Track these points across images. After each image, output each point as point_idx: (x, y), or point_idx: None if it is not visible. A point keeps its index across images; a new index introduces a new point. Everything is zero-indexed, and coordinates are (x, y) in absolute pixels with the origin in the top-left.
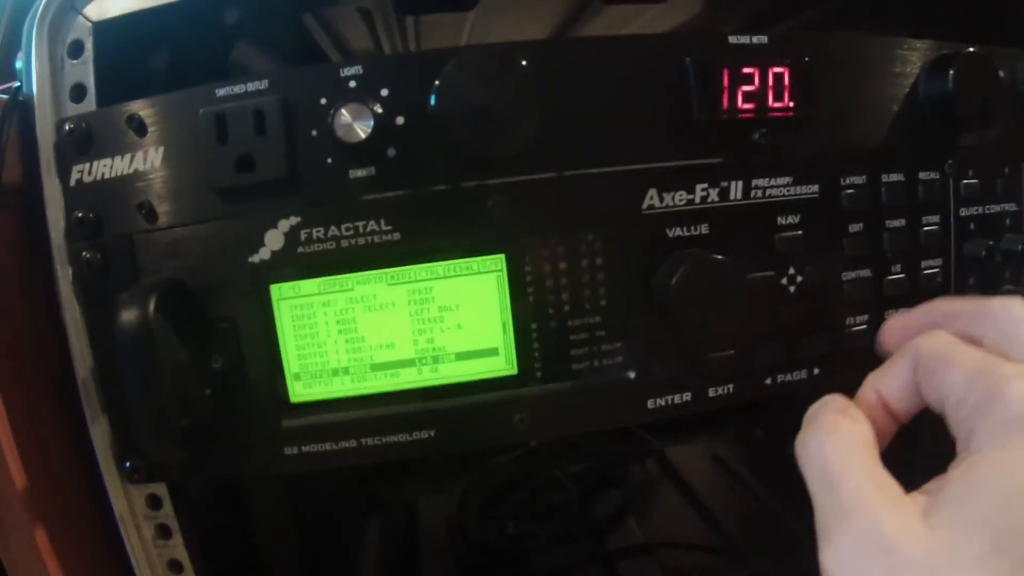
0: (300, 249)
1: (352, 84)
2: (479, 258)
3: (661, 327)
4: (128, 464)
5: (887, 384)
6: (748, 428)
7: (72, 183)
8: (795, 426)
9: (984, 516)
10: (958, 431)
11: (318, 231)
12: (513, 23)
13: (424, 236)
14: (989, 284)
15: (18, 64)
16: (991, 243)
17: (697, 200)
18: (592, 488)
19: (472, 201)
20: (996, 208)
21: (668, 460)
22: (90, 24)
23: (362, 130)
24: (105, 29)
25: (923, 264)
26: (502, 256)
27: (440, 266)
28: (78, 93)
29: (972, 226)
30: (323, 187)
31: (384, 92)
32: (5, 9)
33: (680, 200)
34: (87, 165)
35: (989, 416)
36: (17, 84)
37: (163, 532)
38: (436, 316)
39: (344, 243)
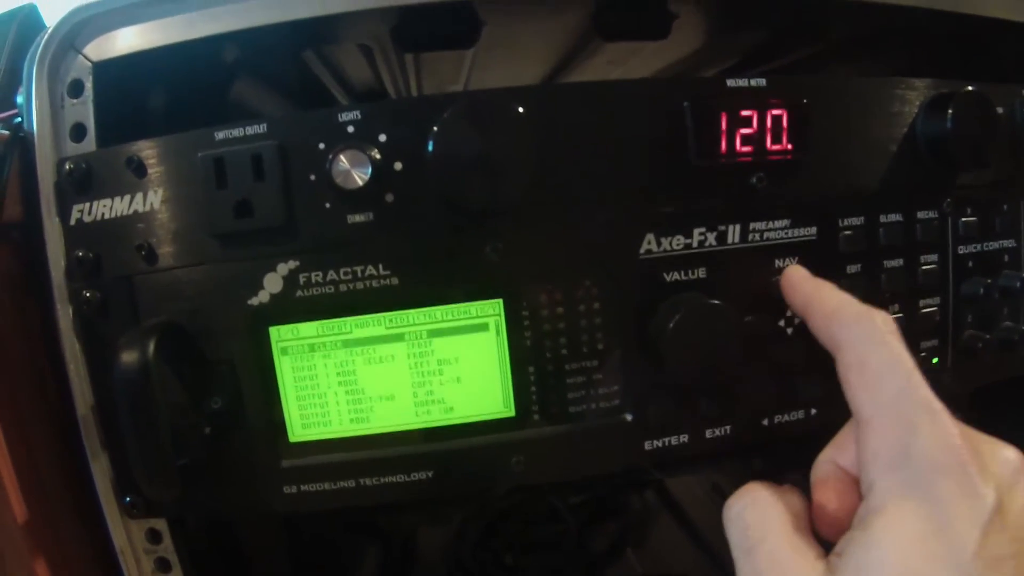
0: (299, 293)
1: (350, 129)
2: (477, 303)
3: (658, 370)
4: (128, 499)
5: (844, 455)
6: (747, 458)
7: (72, 222)
8: (795, 457)
9: None
10: (861, 482)
11: (316, 275)
12: (513, 60)
13: (422, 281)
14: (988, 322)
15: (19, 99)
16: (990, 281)
17: (695, 244)
18: (591, 520)
19: (470, 247)
20: (994, 245)
21: (667, 489)
22: (90, 64)
23: (360, 177)
24: (105, 69)
25: (921, 303)
26: (500, 301)
27: (439, 311)
28: (78, 132)
29: (970, 264)
30: (321, 232)
31: (382, 138)
32: (7, 42)
33: (678, 245)
34: (87, 205)
35: (887, 474)
36: (18, 119)
37: (163, 566)
38: (435, 369)
39: (342, 287)
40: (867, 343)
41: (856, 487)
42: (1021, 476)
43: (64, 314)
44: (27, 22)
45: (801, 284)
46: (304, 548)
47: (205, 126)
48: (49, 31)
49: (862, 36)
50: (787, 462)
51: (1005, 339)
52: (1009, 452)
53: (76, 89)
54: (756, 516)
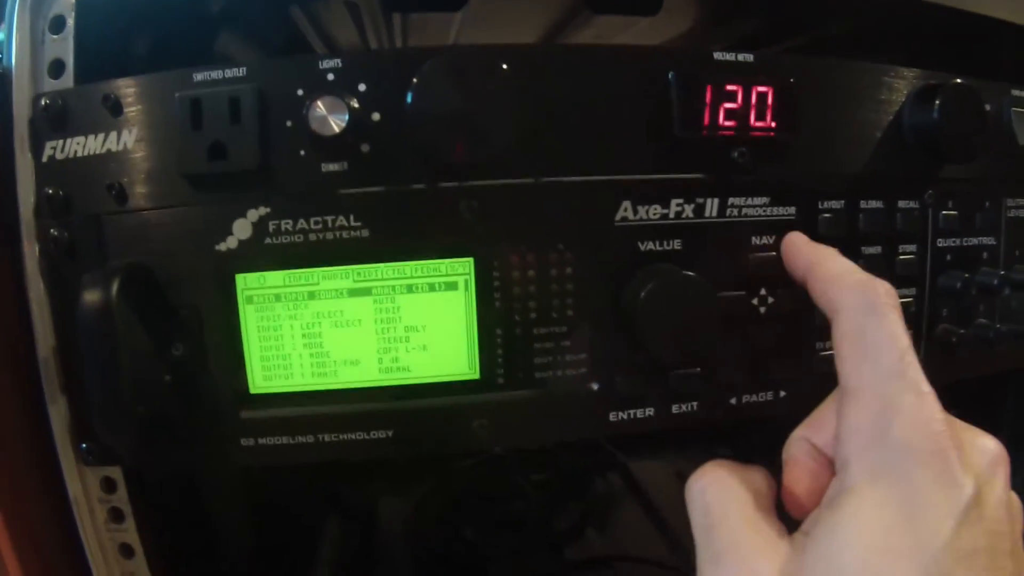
0: (268, 240)
1: (330, 77)
2: (448, 260)
3: (627, 341)
4: (84, 446)
5: (818, 434)
6: (713, 445)
7: (44, 159)
8: (761, 445)
9: (846, 569)
10: (836, 457)
11: (287, 223)
12: (501, 27)
13: (394, 235)
14: (963, 317)
15: (0, 35)
16: (967, 276)
17: (672, 215)
18: (554, 499)
19: (444, 203)
20: (974, 241)
21: (631, 474)
22: (73, 0)
23: (337, 124)
24: (88, 6)
25: (897, 293)
26: (471, 259)
27: (407, 267)
28: (56, 69)
29: (949, 258)
30: (295, 179)
31: (362, 87)
32: None
33: (654, 214)
34: (60, 142)
35: (864, 453)
36: None
37: (116, 516)
38: (402, 336)
39: (312, 237)
40: (866, 312)
41: (828, 468)
42: (999, 467)
43: (30, 253)
44: None
45: (804, 247)
46: (264, 512)
47: (184, 68)
48: None
49: (857, 29)
50: (753, 450)
51: (980, 336)
52: (989, 441)
53: (58, 25)
54: (716, 495)
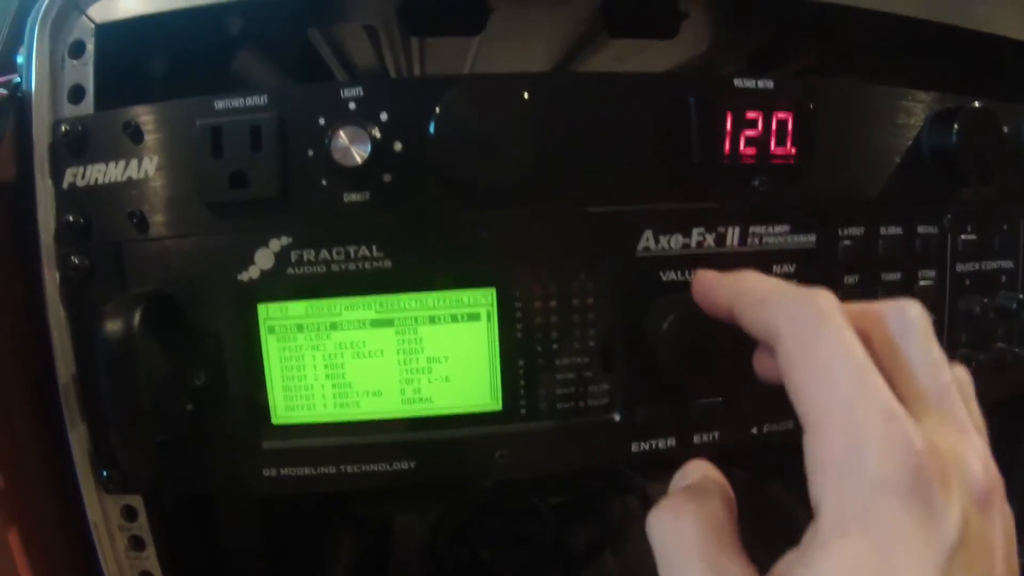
0: (290, 270)
1: (352, 106)
2: (470, 291)
3: (649, 371)
4: (104, 473)
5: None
6: (728, 468)
7: (65, 186)
8: (777, 468)
9: None
10: (810, 496)
11: (309, 253)
12: (518, 50)
13: (416, 265)
14: (982, 341)
15: (19, 59)
16: (985, 300)
17: (693, 244)
18: (570, 519)
19: (467, 233)
20: (993, 265)
21: (648, 495)
22: (93, 25)
23: (359, 154)
24: (108, 31)
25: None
26: (493, 290)
27: (430, 297)
28: (76, 94)
29: (967, 282)
30: (316, 209)
31: (383, 116)
32: (11, 4)
33: (676, 244)
34: (81, 169)
35: (833, 495)
36: (17, 79)
37: (136, 544)
38: (424, 367)
39: (334, 267)
40: (810, 328)
41: None
42: (993, 496)
43: (51, 279)
44: None
45: (720, 278)
46: (281, 534)
47: (205, 96)
48: None
49: (867, 48)
50: (769, 473)
51: (998, 359)
52: (976, 464)
53: (77, 50)
54: (676, 539)
